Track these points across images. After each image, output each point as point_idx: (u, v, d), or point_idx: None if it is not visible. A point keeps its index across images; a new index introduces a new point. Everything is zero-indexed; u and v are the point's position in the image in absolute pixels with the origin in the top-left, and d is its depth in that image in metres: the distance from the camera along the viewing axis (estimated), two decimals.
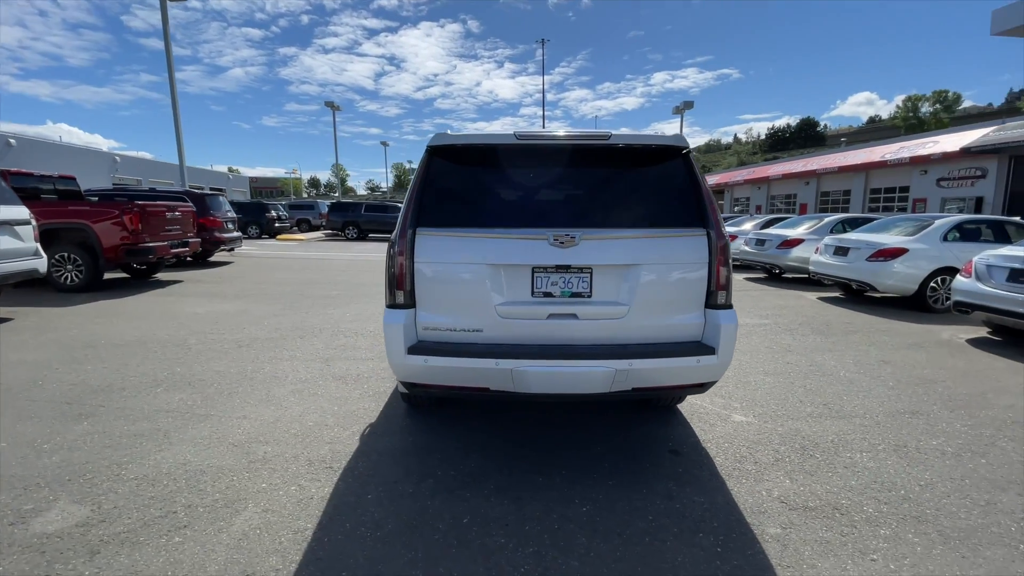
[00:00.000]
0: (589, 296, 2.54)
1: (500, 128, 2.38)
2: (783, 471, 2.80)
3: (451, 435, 3.17)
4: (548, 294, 2.54)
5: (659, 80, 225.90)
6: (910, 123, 68.51)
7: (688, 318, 2.60)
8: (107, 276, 8.71)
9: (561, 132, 2.58)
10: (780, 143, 79.64)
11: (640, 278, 2.52)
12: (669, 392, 2.68)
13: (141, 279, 9.42)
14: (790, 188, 35.56)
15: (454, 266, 2.55)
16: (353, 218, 22.01)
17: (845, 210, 29.52)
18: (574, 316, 2.53)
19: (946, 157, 21.84)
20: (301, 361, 4.61)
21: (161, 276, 9.79)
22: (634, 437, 3.18)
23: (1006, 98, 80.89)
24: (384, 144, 47.09)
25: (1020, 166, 19.52)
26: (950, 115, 65.54)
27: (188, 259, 10.69)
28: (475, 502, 2.45)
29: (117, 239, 7.60)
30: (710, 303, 2.60)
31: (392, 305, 2.59)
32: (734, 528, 2.29)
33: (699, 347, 2.56)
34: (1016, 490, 2.63)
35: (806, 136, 78.77)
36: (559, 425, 3.33)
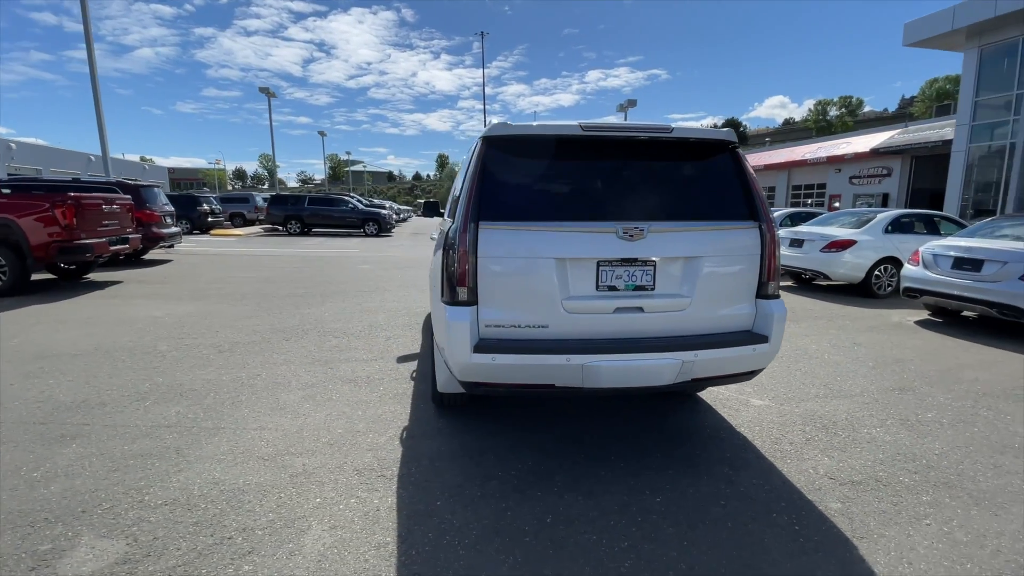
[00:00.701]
0: (652, 289, 2.55)
1: (561, 120, 2.28)
2: (817, 449, 2.97)
3: (493, 434, 3.09)
4: (612, 288, 2.52)
5: (593, 78, 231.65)
6: (820, 125, 74.80)
7: (741, 308, 2.68)
8: (33, 278, 7.68)
9: (623, 124, 2.57)
10: None
11: (701, 270, 2.57)
12: (723, 381, 2.76)
13: (71, 280, 8.39)
14: None
15: (520, 261, 2.47)
16: (296, 212, 20.81)
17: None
18: (640, 309, 2.54)
19: (857, 157, 24.09)
20: (298, 365, 4.31)
21: (95, 277, 8.76)
22: (672, 426, 3.26)
23: (899, 104, 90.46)
24: (321, 134, 44.88)
25: (920, 166, 21.91)
26: (854, 119, 72.38)
27: (121, 257, 9.65)
28: (549, 500, 2.41)
29: (47, 236, 6.72)
30: (761, 293, 2.70)
31: (454, 302, 2.47)
32: (800, 506, 2.40)
33: (753, 336, 2.65)
34: (1012, 453, 2.96)
35: None
36: (596, 418, 3.35)
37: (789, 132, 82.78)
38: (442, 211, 5.48)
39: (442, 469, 2.68)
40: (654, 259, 2.53)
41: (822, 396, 3.80)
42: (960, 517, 2.34)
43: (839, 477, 2.67)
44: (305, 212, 20.78)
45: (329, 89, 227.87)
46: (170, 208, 10.92)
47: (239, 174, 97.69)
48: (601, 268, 2.50)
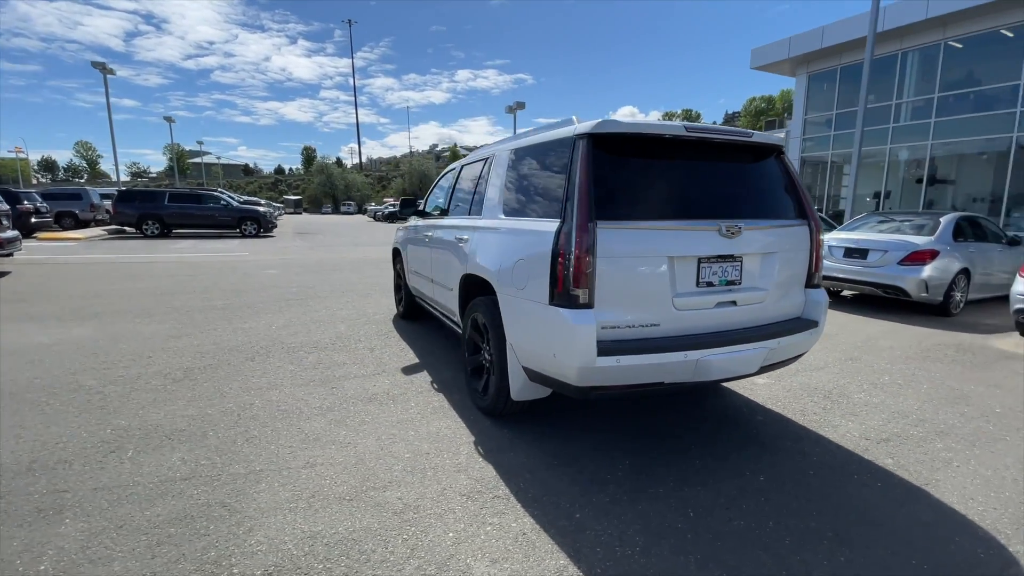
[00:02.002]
0: (739, 283, 2.72)
1: (625, 117, 2.31)
2: (838, 415, 3.43)
3: (566, 440, 3.02)
4: (710, 283, 2.63)
5: (463, 77, 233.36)
6: None
7: (796, 298, 2.98)
8: None
9: (718, 128, 2.68)
10: None
11: (775, 264, 2.81)
12: (781, 365, 3.04)
13: None
14: None
15: (636, 260, 2.45)
16: (153, 210, 17.67)
17: None
18: (734, 303, 2.69)
19: None
20: (292, 387, 3.73)
21: None
22: (715, 411, 3.49)
23: (724, 118, 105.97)
24: (169, 120, 38.32)
25: None
26: None
27: None
28: (674, 496, 2.44)
29: None
30: (809, 283, 3.03)
31: (573, 305, 2.37)
32: (867, 467, 2.76)
33: (806, 322, 2.97)
34: (963, 403, 3.71)
35: None
36: (637, 416, 3.45)
37: None
38: (424, 209, 5.16)
39: (549, 480, 2.55)
40: (741, 255, 2.70)
41: (801, 370, 4.37)
42: (971, 458, 2.89)
43: (871, 437, 3.12)
44: (165, 211, 17.80)
45: (161, 69, 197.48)
46: (5, 207, 8.56)
47: (47, 165, 79.13)
48: (702, 265, 2.60)
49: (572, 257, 2.35)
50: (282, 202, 53.78)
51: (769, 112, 79.82)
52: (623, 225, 2.43)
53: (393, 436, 3.00)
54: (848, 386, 4.00)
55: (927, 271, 6.39)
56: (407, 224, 5.71)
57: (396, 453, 2.80)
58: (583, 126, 2.53)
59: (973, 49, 15.02)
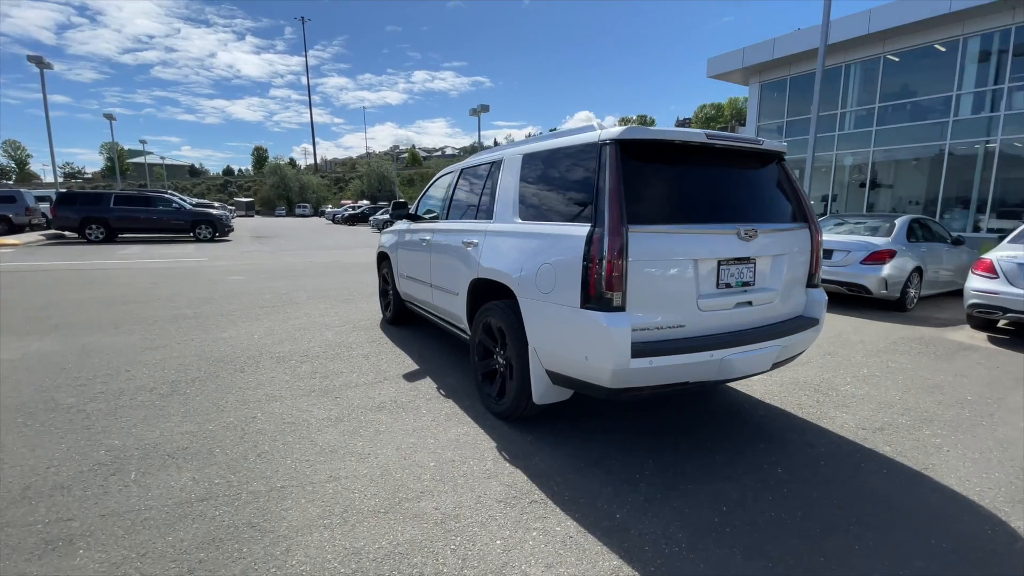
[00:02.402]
0: (753, 284, 2.83)
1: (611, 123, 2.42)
2: (831, 407, 3.62)
3: (587, 441, 3.04)
4: (728, 285, 2.73)
5: (420, 79, 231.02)
6: None
7: (799, 297, 3.13)
8: None
9: (733, 136, 2.78)
10: None
11: (783, 266, 2.94)
12: (786, 362, 3.18)
13: None
14: None
15: (665, 263, 2.52)
16: (98, 213, 16.51)
17: None
18: (750, 303, 2.79)
19: None
20: (294, 398, 3.59)
21: None
22: (718, 407, 3.61)
23: (675, 123, 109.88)
24: (109, 118, 35.72)
25: None
26: None
27: None
28: (705, 491, 2.51)
29: None
30: (810, 283, 3.19)
31: (607, 308, 2.40)
32: (870, 455, 2.93)
33: (810, 320, 3.13)
34: (937, 392, 4.00)
35: None
36: (652, 416, 3.53)
37: None
38: (418, 212, 5.08)
39: (581, 483, 2.57)
40: (755, 257, 2.81)
41: (789, 366, 4.57)
42: (958, 443, 3.12)
43: (866, 426, 3.31)
44: (111, 214, 16.69)
45: (96, 63, 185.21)
46: None
47: None
48: (721, 267, 2.69)
49: (605, 261, 2.38)
50: (233, 204, 51.49)
51: (718, 119, 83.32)
52: (651, 229, 2.48)
53: (413, 445, 2.94)
54: (833, 379, 4.24)
55: (886, 269, 6.84)
56: (396, 228, 5.60)
57: (420, 462, 2.75)
58: (609, 132, 2.57)
59: (909, 62, 16.21)
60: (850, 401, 3.75)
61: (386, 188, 61.73)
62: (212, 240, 18.21)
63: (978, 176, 14.99)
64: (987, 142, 14.63)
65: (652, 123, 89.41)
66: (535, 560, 2.00)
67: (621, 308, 2.41)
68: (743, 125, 21.43)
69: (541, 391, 2.90)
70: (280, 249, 15.78)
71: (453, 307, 3.91)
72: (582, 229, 2.52)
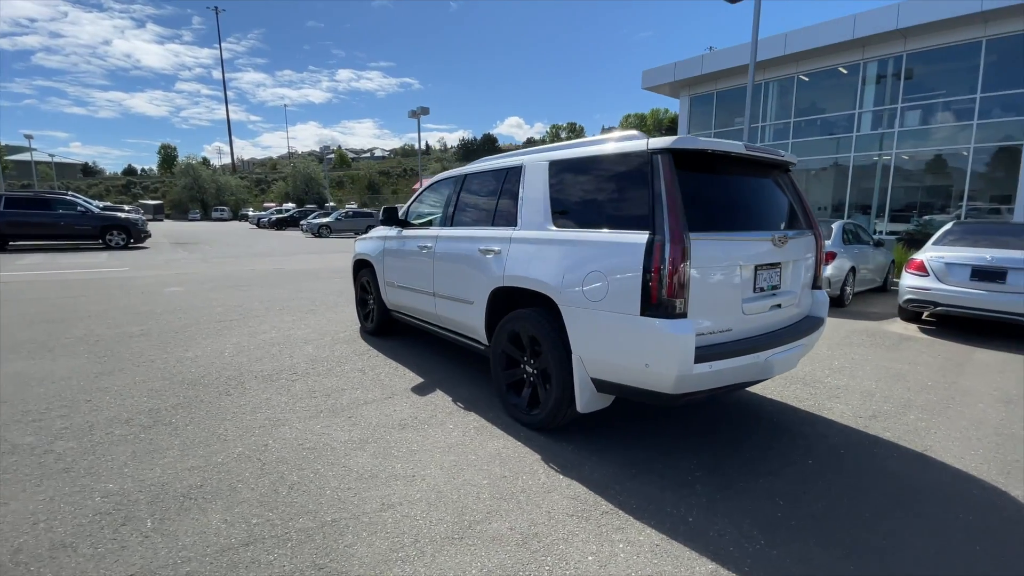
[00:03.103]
0: (779, 288, 3.00)
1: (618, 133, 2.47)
2: (825, 399, 3.91)
3: (628, 448, 3.07)
4: (762, 289, 2.87)
5: (345, 77, 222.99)
6: None
7: (807, 298, 3.36)
8: None
9: (764, 147, 2.92)
10: (470, 153, 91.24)
11: (800, 270, 3.14)
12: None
13: None
14: None
15: (719, 269, 2.60)
16: None
17: None
18: (779, 306, 2.95)
19: None
20: (303, 420, 3.31)
21: None
22: (730, 406, 3.78)
23: (601, 132, 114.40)
24: None
25: None
26: None
27: None
28: (756, 491, 2.61)
29: None
30: (815, 285, 3.43)
31: (670, 315, 2.43)
32: (876, 442, 3.19)
33: (818, 320, 3.36)
34: (903, 380, 4.45)
35: (489, 149, 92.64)
36: (674, 419, 3.63)
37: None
38: (412, 219, 4.88)
39: (641, 489, 2.58)
40: (782, 262, 2.98)
41: None
42: (939, 424, 3.49)
43: (862, 415, 3.61)
44: (2, 218, 14.54)
45: None
46: None
47: None
48: (758, 272, 2.82)
49: (667, 268, 2.41)
50: (140, 207, 46.68)
51: (641, 128, 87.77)
52: (706, 236, 2.56)
53: (455, 463, 2.81)
54: (814, 372, 4.59)
55: (829, 270, 7.53)
56: (378, 234, 5.34)
57: (471, 480, 2.63)
58: (659, 141, 2.62)
59: (818, 82, 18.01)
60: (838, 392, 4.08)
61: (313, 190, 58.87)
62: (126, 247, 16.39)
63: (877, 185, 16.93)
64: (883, 155, 16.57)
65: (582, 131, 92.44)
66: (635, 572, 1.97)
67: (684, 315, 2.45)
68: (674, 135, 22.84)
69: (586, 399, 2.88)
70: (211, 257, 14.52)
71: (465, 317, 3.79)
72: (639, 237, 2.53)
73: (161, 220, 49.63)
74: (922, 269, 6.21)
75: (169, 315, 6.44)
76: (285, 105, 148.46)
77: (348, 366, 4.49)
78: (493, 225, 3.62)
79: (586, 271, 2.75)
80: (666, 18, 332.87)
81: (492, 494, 2.50)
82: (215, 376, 4.15)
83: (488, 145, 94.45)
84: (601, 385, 2.81)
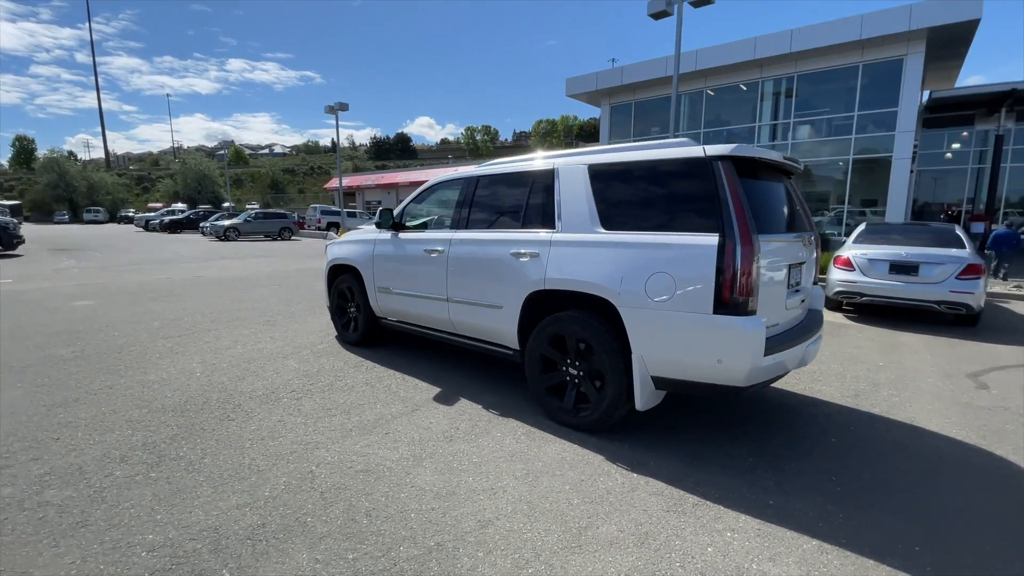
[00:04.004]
0: (800, 284, 3.30)
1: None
2: (810, 382, 4.34)
3: (682, 444, 3.19)
4: (790, 285, 3.14)
5: (237, 67, 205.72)
6: (471, 147, 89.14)
7: (812, 294, 3.73)
8: None
9: (792, 157, 3.18)
10: (383, 152, 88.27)
11: (811, 267, 3.48)
12: None
13: None
14: None
15: (773, 269, 2.79)
16: None
17: None
18: (803, 300, 3.24)
19: None
20: (339, 441, 3.04)
21: None
22: (744, 399, 4.07)
23: (513, 136, 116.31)
24: None
25: None
26: (495, 145, 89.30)
27: None
28: (812, 468, 2.85)
29: None
30: (815, 282, 3.81)
31: (743, 312, 2.59)
32: (869, 416, 3.62)
33: (819, 312, 3.74)
34: (865, 364, 5.07)
35: (403, 149, 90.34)
36: (702, 411, 3.84)
37: (448, 151, 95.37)
38: (405, 221, 4.65)
39: (713, 480, 2.71)
40: (803, 261, 3.28)
41: None
42: (909, 399, 4.03)
43: (847, 394, 4.07)
44: None
45: None
46: None
47: None
48: (791, 270, 3.08)
49: (739, 268, 2.56)
50: (5, 208, 39.38)
51: (553, 133, 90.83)
52: (768, 239, 2.75)
53: (526, 471, 2.75)
54: None
55: None
56: (362, 238, 5.03)
57: (553, 487, 2.59)
58: (717, 148, 2.76)
59: (723, 97, 19.86)
60: (817, 376, 4.56)
61: (208, 189, 53.57)
62: None
63: None
64: None
65: (496, 134, 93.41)
66: (755, 556, 2.08)
67: (754, 312, 2.62)
68: (591, 141, 23.75)
69: (645, 397, 2.96)
70: (111, 265, 12.67)
71: (492, 322, 3.71)
72: (709, 239, 2.66)
73: (20, 223, 42.20)
74: (848, 264, 7.11)
75: (98, 333, 5.56)
76: (168, 95, 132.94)
77: (351, 379, 4.19)
78: (524, 228, 3.58)
79: (649, 272, 2.83)
80: (570, 28, 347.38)
81: (582, 499, 2.49)
82: (201, 400, 3.67)
83: (402, 145, 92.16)
84: (661, 383, 2.91)
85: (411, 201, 4.72)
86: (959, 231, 7.12)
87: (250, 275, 10.92)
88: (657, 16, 13.90)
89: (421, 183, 33.15)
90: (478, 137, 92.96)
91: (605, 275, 3.01)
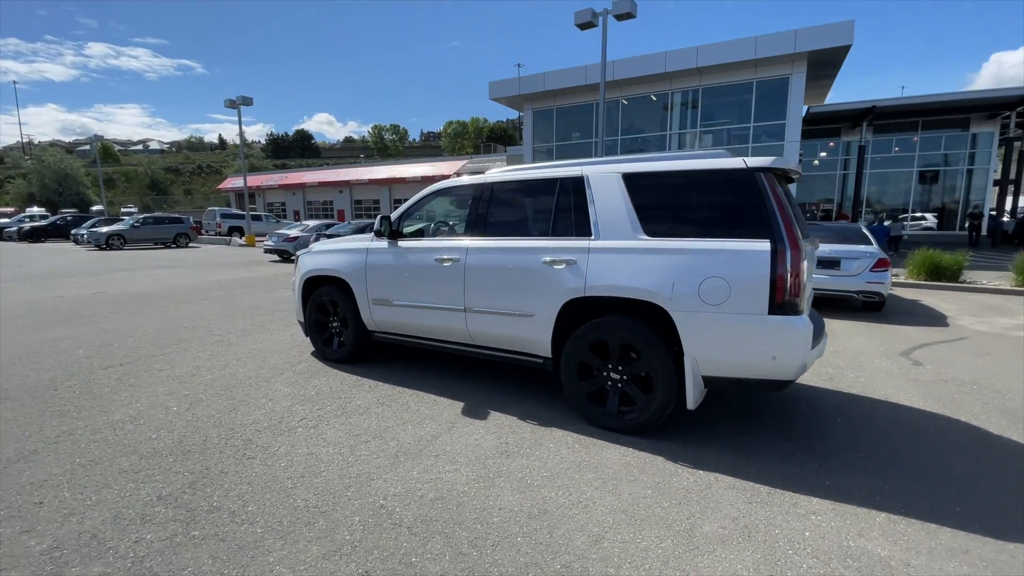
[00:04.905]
0: (808, 280, 3.65)
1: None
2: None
3: (727, 440, 3.37)
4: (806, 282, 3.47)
5: (99, 52, 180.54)
6: (380, 146, 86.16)
7: None
8: None
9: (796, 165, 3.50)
10: (281, 150, 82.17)
11: (812, 267, 3.86)
12: None
13: None
14: (326, 195, 38.55)
15: (809, 268, 3.07)
16: None
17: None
18: (813, 297, 3.59)
19: (444, 178, 30.26)
20: (392, 470, 2.83)
21: None
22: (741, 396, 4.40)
23: (421, 136, 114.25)
24: None
25: None
26: (404, 145, 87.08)
27: None
28: (842, 455, 3.17)
29: None
30: None
31: (796, 312, 2.82)
32: (852, 397, 4.10)
33: (815, 311, 4.16)
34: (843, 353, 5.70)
35: (304, 147, 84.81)
36: (723, 410, 4.08)
37: (354, 149, 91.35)
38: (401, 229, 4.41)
39: (770, 472, 2.90)
40: (814, 261, 3.64)
41: None
42: (874, 380, 4.62)
43: (823, 377, 4.57)
44: None
45: None
46: None
47: None
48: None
49: (790, 271, 2.79)
50: None
51: (464, 135, 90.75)
52: (806, 243, 3.01)
53: (602, 480, 2.76)
54: None
55: None
56: (355, 247, 4.67)
57: (635, 493, 2.63)
58: (759, 161, 2.97)
59: (636, 106, 21.19)
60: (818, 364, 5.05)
61: (71, 190, 46.40)
62: None
63: None
64: None
65: (405, 133, 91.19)
66: (846, 533, 2.28)
67: (803, 311, 2.86)
68: (503, 143, 24.12)
69: (695, 397, 3.10)
70: (38, 279, 10.48)
71: (521, 331, 3.66)
72: (761, 245, 2.85)
73: None
74: None
75: (11, 368, 4.61)
76: (14, 83, 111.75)
77: (359, 401, 3.90)
78: (554, 235, 3.57)
79: (702, 277, 2.97)
80: (473, 29, 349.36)
81: (670, 501, 2.56)
82: (199, 439, 3.20)
83: (303, 142, 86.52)
84: (711, 382, 3.07)
85: (406, 208, 4.49)
86: (864, 230, 8.28)
87: (164, 289, 9.66)
88: (583, 27, 14.49)
89: (332, 184, 32.19)
90: (387, 136, 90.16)
91: (655, 281, 3.10)
